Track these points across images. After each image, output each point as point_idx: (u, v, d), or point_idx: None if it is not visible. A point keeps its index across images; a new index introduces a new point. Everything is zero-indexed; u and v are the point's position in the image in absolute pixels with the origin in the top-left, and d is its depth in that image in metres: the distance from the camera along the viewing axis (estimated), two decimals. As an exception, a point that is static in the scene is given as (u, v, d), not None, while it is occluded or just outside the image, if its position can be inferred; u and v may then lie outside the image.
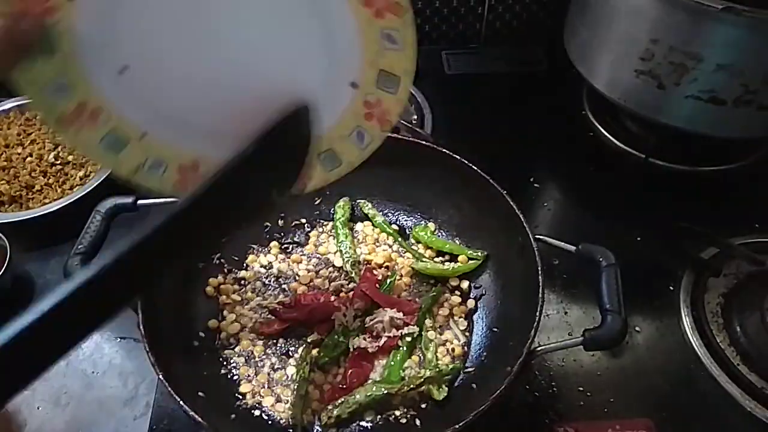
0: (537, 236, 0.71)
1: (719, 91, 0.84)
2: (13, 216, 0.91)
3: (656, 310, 0.84)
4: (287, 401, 0.69)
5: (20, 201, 0.95)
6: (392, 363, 0.72)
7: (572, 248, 0.70)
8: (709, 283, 0.85)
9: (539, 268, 0.67)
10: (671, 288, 0.86)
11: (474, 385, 0.68)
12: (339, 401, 0.67)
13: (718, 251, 0.88)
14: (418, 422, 0.67)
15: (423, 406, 0.69)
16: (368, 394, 0.67)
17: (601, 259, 0.67)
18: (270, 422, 0.68)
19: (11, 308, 0.82)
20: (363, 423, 0.68)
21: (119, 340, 0.80)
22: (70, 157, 1.00)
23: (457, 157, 0.78)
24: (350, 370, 0.71)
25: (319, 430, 0.67)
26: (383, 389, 0.67)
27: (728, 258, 0.87)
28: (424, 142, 0.83)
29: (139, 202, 0.72)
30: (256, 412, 0.69)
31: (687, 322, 0.82)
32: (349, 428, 0.68)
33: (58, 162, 0.99)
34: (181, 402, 0.56)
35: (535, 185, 1.00)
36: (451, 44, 1.25)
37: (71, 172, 0.99)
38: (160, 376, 0.57)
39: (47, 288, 0.87)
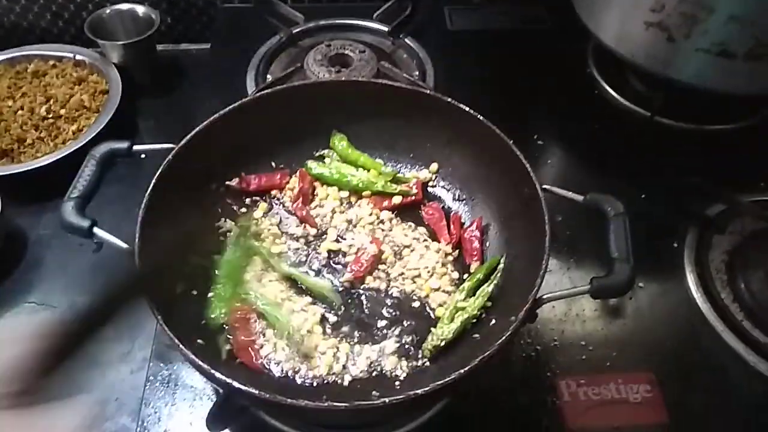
0: (544, 186, 0.69)
1: (730, 43, 0.82)
2: (5, 170, 0.89)
3: (660, 266, 0.83)
4: (284, 350, 0.68)
5: (12, 155, 0.93)
6: None
7: (580, 198, 0.69)
8: (714, 241, 0.84)
9: (546, 218, 0.65)
10: (675, 245, 0.85)
11: (477, 336, 0.67)
12: None
13: (723, 209, 0.87)
14: (426, 363, 0.67)
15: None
16: None
17: (609, 209, 0.66)
18: (267, 370, 0.66)
19: (3, 262, 0.82)
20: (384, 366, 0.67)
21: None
22: (62, 111, 0.98)
23: (462, 106, 0.76)
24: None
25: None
26: None
27: (734, 215, 0.86)
28: (426, 91, 0.81)
29: (135, 147, 0.69)
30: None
31: (691, 278, 0.81)
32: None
33: (50, 116, 0.97)
34: (181, 346, 0.55)
35: (539, 142, 0.98)
36: (454, 0, 1.23)
37: (63, 126, 0.96)
38: (160, 319, 0.55)
39: (39, 243, 0.86)
